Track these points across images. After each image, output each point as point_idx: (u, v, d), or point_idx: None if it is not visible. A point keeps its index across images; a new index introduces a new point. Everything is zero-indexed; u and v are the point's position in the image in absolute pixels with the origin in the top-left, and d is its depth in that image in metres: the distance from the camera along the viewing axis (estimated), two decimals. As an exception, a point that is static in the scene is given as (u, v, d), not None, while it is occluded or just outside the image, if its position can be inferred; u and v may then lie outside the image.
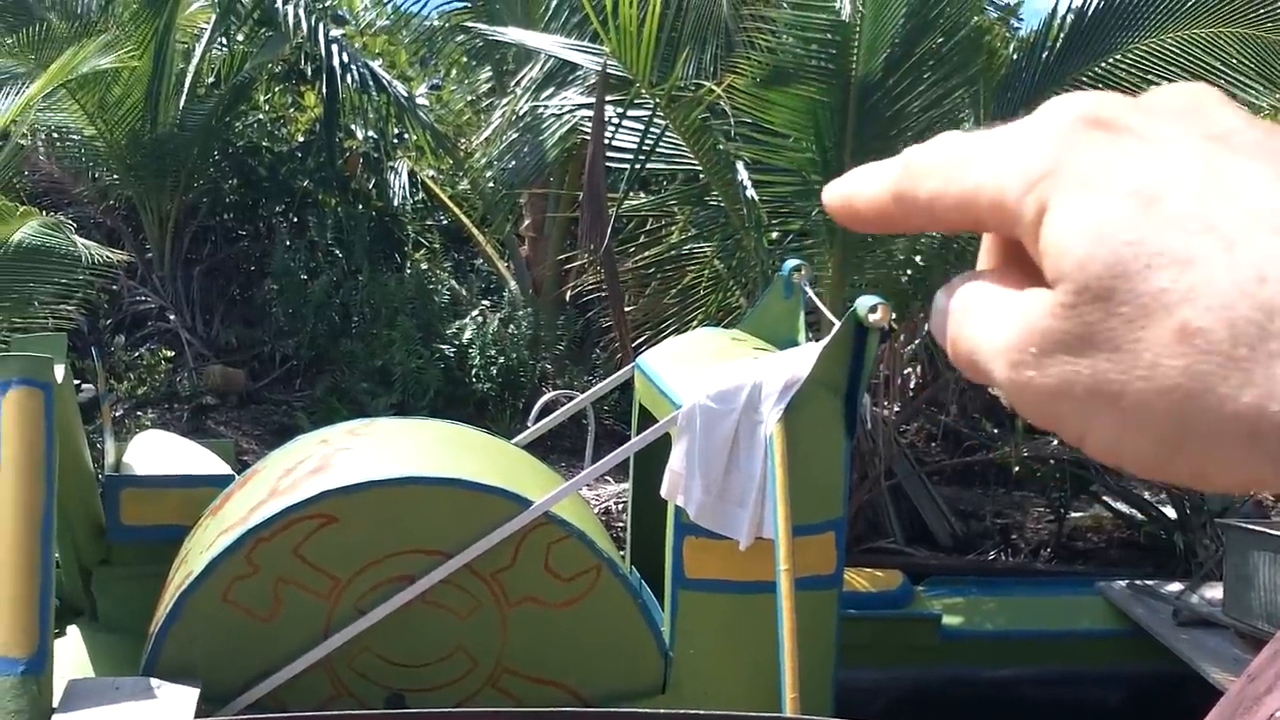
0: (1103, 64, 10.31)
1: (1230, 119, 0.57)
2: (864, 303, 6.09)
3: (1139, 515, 11.07)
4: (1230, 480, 0.53)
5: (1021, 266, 0.58)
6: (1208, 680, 7.39)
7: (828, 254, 9.94)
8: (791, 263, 7.27)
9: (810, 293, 7.25)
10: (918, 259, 10.32)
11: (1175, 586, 8.63)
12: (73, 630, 7.07)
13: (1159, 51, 10.21)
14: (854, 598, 7.26)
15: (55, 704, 5.61)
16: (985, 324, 0.58)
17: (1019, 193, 0.56)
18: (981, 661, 8.11)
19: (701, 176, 10.91)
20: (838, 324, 6.30)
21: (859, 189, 0.64)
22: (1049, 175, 0.55)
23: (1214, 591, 8.26)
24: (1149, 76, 10.05)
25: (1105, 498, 11.22)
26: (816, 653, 6.10)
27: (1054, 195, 0.55)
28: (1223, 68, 10.03)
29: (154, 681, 5.92)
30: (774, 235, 10.74)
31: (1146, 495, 11.28)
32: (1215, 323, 0.51)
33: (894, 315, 7.24)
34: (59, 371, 6.38)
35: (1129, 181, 0.54)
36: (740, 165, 10.20)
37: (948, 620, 8.14)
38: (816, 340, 6.63)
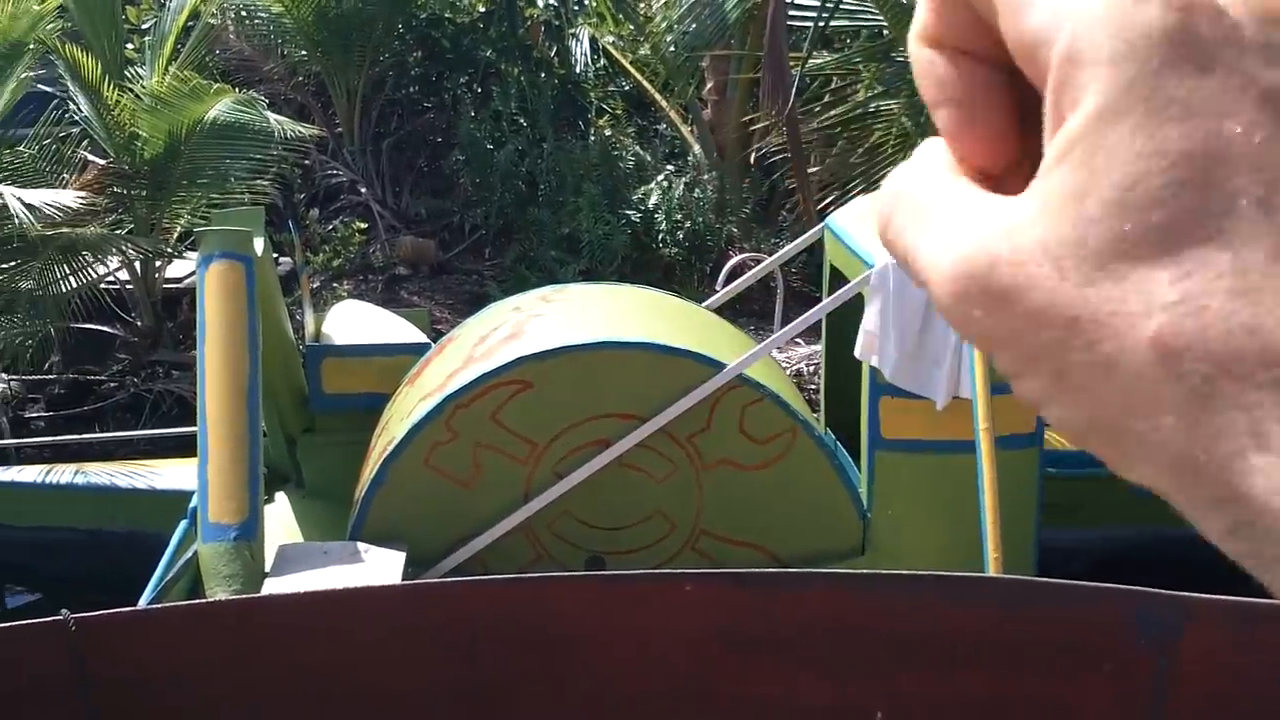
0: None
1: None
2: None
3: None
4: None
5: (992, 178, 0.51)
6: None
7: (1019, 108, 9.71)
8: (983, 117, 7.10)
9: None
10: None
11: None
12: (281, 497, 7.25)
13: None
14: (1055, 456, 7.15)
15: (267, 568, 5.78)
16: (926, 224, 0.51)
17: (1068, 46, 0.46)
18: (1182, 519, 7.95)
19: (886, 32, 10.71)
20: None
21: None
22: (1113, 64, 0.45)
23: None
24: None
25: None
26: (1018, 512, 6.04)
27: (1115, 93, 0.45)
28: None
29: (361, 545, 6.06)
30: (963, 90, 10.51)
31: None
32: (1203, 354, 0.44)
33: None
34: (258, 245, 6.49)
35: (1200, 131, 0.45)
36: (927, 19, 9.97)
37: (1148, 478, 7.97)
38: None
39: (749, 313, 11.45)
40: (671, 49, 13.08)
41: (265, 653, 4.13)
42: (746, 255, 9.24)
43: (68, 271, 10.12)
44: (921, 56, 0.54)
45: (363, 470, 6.49)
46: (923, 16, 0.54)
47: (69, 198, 9.87)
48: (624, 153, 13.80)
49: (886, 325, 6.17)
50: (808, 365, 10.72)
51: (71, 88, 10.80)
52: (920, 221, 0.52)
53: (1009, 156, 0.53)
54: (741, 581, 4.20)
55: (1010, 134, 0.53)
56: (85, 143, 11.03)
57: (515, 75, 14.56)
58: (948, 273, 0.49)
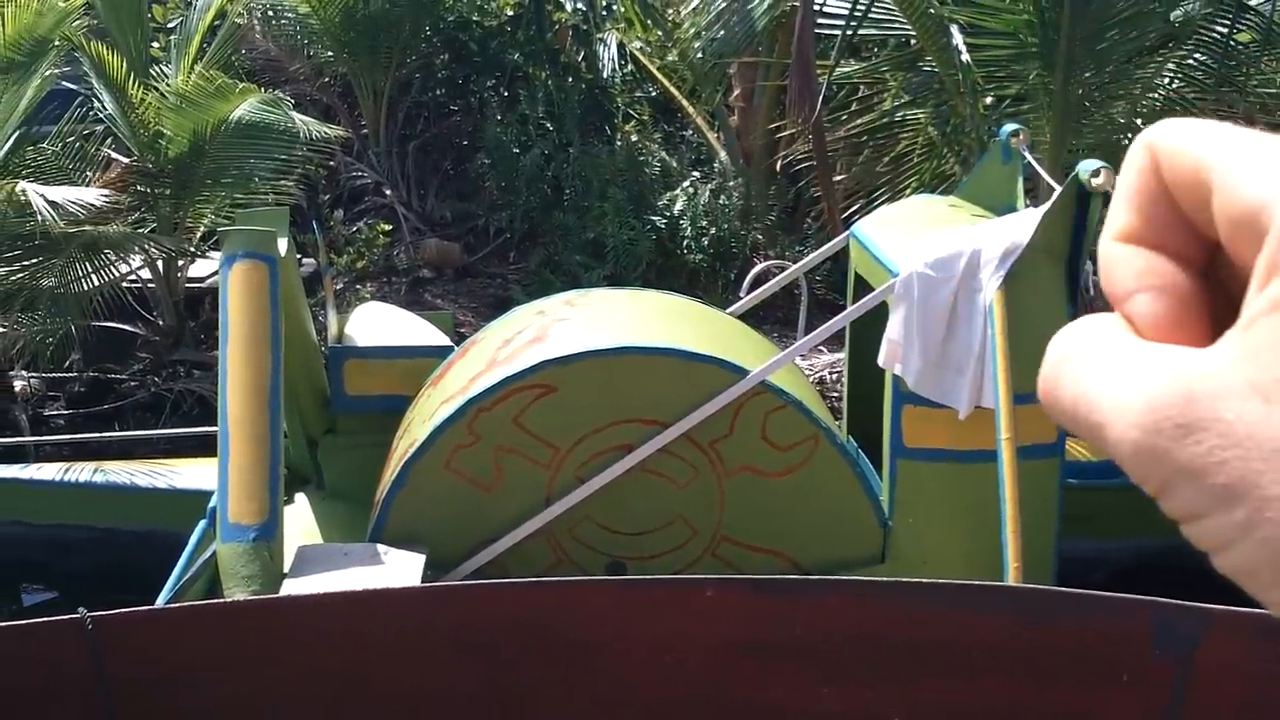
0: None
1: None
2: (1086, 166, 5.93)
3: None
4: None
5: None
6: None
7: (1045, 118, 9.69)
8: (1009, 127, 7.09)
9: (1029, 158, 7.07)
10: (1139, 122, 10.00)
11: None
12: (301, 498, 7.25)
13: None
14: (1076, 467, 7.12)
15: (286, 569, 5.77)
16: (1106, 374, 0.53)
17: None
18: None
19: (914, 41, 10.71)
20: (1058, 189, 6.14)
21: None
22: None
23: None
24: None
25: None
26: (1038, 522, 6.01)
27: None
28: None
29: (381, 547, 6.05)
30: (989, 100, 10.51)
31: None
32: None
33: (1117, 179, 7.05)
34: (282, 245, 6.48)
35: None
36: (954, 29, 9.96)
37: (1171, 490, 7.93)
38: (1035, 206, 6.48)
39: (773, 320, 11.44)
40: (699, 55, 13.07)
41: (283, 653, 4.13)
42: (771, 262, 9.23)
43: (90, 269, 10.15)
44: (1117, 252, 0.58)
45: (384, 472, 6.48)
46: (1123, 218, 0.58)
47: (92, 195, 9.89)
48: (650, 158, 13.80)
49: (910, 334, 6.16)
50: (830, 373, 10.70)
51: (96, 85, 10.84)
52: (1099, 371, 0.54)
53: (1204, 330, 0.55)
54: (761, 588, 4.19)
55: (1208, 312, 0.55)
56: (109, 140, 11.07)
57: (542, 79, 14.58)
58: (1140, 408, 0.51)
